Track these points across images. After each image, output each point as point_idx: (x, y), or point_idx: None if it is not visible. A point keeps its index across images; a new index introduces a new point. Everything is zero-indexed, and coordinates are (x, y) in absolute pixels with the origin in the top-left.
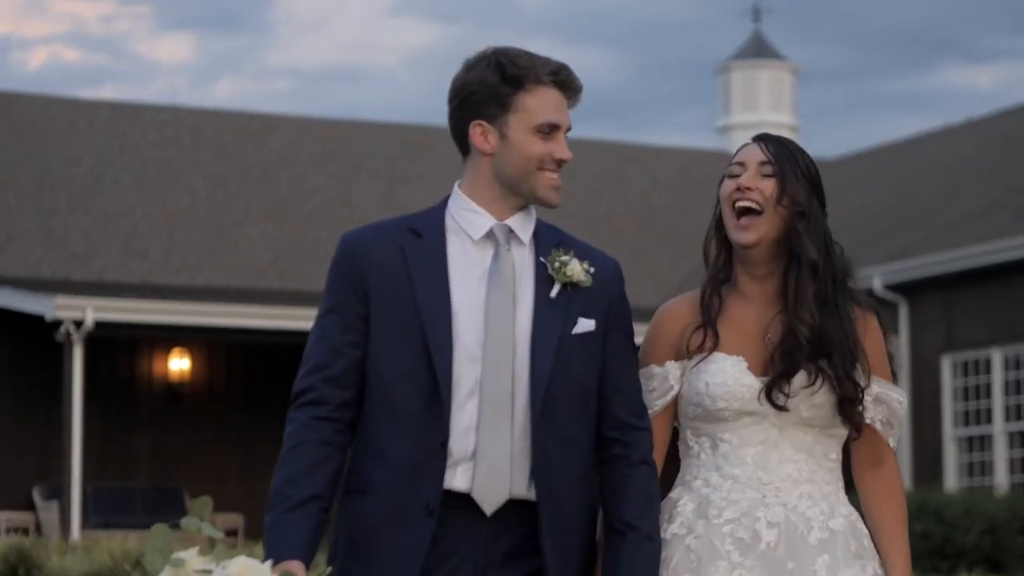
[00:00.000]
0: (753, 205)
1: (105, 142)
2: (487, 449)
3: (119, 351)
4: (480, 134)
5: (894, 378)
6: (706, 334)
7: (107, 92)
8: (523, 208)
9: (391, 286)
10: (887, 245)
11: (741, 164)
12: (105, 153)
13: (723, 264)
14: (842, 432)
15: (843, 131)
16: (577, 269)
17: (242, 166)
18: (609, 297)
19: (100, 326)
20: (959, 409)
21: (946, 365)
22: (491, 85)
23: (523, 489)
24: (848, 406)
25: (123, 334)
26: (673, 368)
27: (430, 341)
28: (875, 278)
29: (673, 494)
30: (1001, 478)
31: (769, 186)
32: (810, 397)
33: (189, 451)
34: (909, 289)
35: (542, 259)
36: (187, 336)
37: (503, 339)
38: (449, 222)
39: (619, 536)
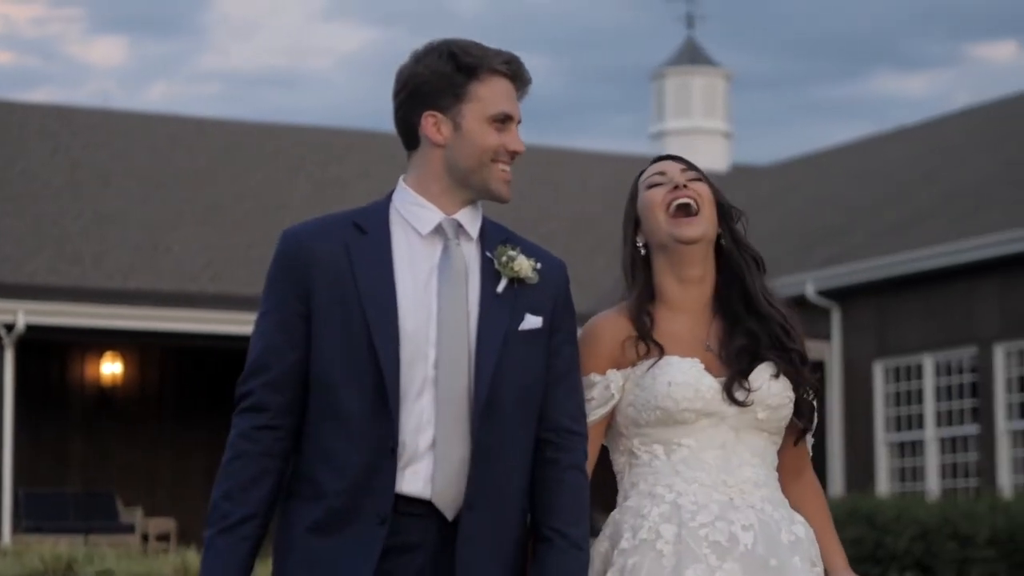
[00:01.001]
0: (691, 203)
1: (37, 145)
2: (446, 451)
3: (51, 355)
4: (433, 125)
5: None
6: (649, 345)
7: (39, 95)
8: (471, 203)
9: (335, 283)
10: (820, 251)
11: (662, 173)
12: (37, 156)
13: (645, 282)
14: (780, 440)
15: (777, 138)
16: (525, 265)
17: (175, 170)
18: (555, 296)
19: (31, 330)
20: (891, 414)
21: (878, 371)
22: (444, 75)
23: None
24: (806, 400)
25: (55, 338)
26: (615, 376)
27: (376, 339)
28: (808, 284)
29: (629, 503)
30: (932, 483)
31: (701, 188)
32: (767, 396)
33: (121, 455)
34: (842, 295)
35: (488, 254)
36: (119, 340)
37: (458, 335)
38: (395, 217)
39: (546, 543)
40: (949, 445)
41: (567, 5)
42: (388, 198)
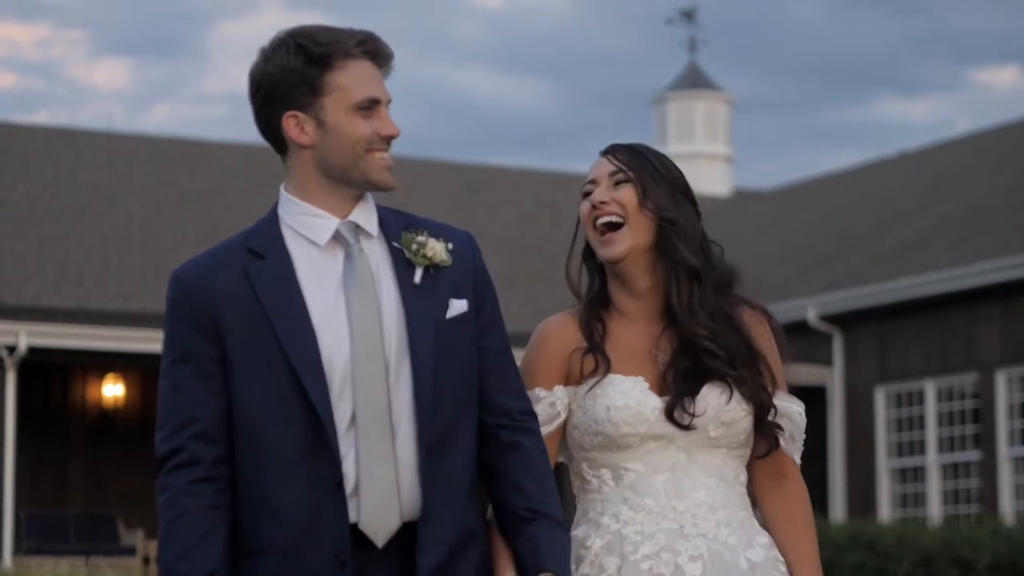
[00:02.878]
0: (612, 219)
1: (40, 167)
2: (369, 477)
3: (52, 377)
4: (295, 125)
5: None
6: (596, 359)
7: (42, 117)
8: (360, 197)
9: (243, 319)
10: (822, 276)
11: (593, 182)
12: (40, 178)
13: (598, 288)
14: (747, 453)
15: (778, 162)
16: (437, 248)
17: (177, 192)
18: (472, 274)
19: (33, 352)
20: (892, 440)
21: (880, 396)
22: (296, 70)
23: (418, 510)
24: (763, 418)
25: (57, 360)
26: (561, 394)
27: (299, 370)
28: (809, 309)
29: (577, 532)
30: (934, 509)
31: (626, 194)
32: (719, 414)
33: (122, 478)
34: (843, 320)
35: (396, 244)
36: (121, 362)
37: (371, 350)
38: (287, 232)
39: (528, 522)
40: (951, 471)
41: (569, 29)
42: (274, 213)
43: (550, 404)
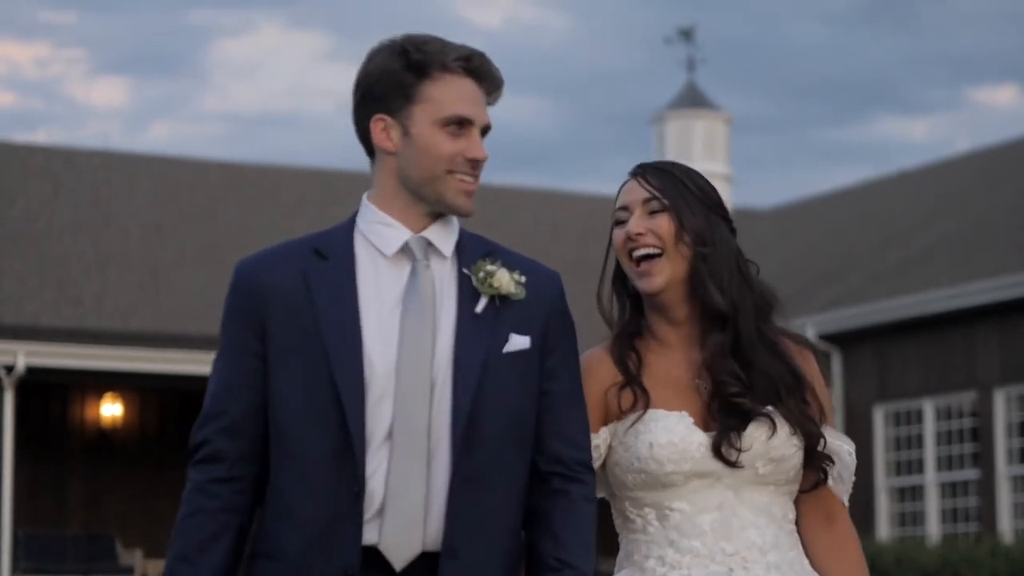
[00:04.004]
0: (650, 251)
1: (38, 186)
2: (396, 495)
3: (51, 396)
4: (381, 129)
5: None
6: (635, 392)
7: (40, 136)
8: (441, 216)
9: (293, 318)
10: (821, 295)
11: (625, 208)
12: (38, 197)
13: (631, 316)
14: (795, 488)
15: (777, 181)
16: (505, 279)
17: (176, 211)
18: (547, 313)
19: (32, 371)
20: (891, 459)
21: (878, 415)
22: (392, 73)
23: (443, 542)
24: (813, 448)
25: (55, 379)
26: (605, 435)
27: (339, 380)
28: (808, 327)
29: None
30: (933, 528)
31: (663, 224)
32: (767, 450)
33: (121, 497)
34: (842, 339)
35: (466, 271)
36: (119, 382)
37: (419, 370)
38: (359, 239)
39: (555, 572)
40: (949, 490)
41: (568, 48)
42: (352, 218)
43: (595, 447)
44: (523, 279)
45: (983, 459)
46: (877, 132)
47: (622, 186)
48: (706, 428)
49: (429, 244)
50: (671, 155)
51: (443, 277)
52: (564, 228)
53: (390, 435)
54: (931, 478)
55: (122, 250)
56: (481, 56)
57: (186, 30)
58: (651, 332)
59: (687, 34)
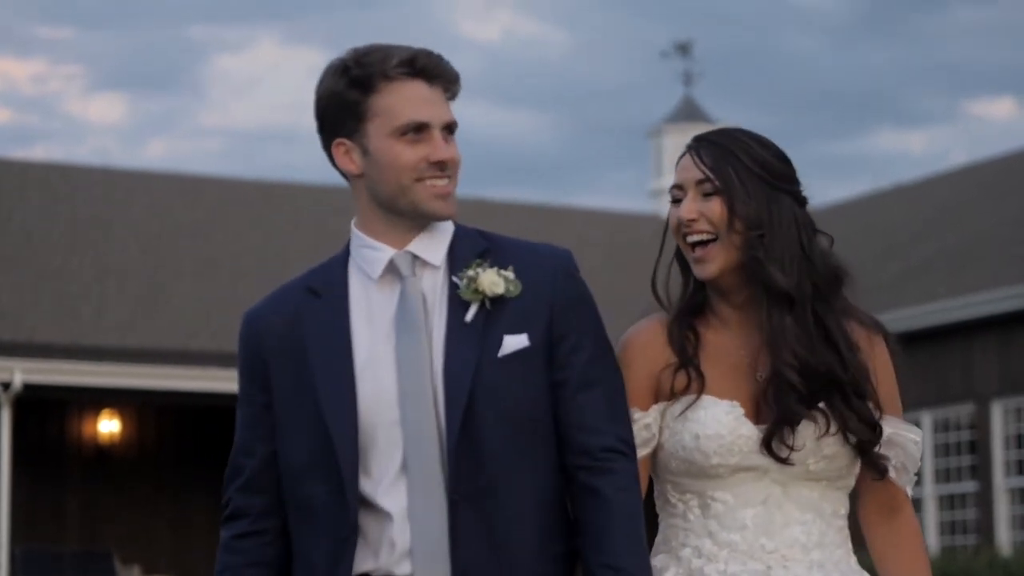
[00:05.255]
0: (703, 237)
1: (35, 201)
2: (420, 533)
3: (48, 413)
4: (344, 154)
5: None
6: (689, 375)
7: (38, 152)
8: (424, 227)
9: (289, 361)
10: None
11: (680, 187)
12: (35, 213)
13: (693, 291)
14: (850, 483)
15: None
16: (488, 281)
17: (174, 227)
18: (550, 300)
19: (29, 388)
20: None
21: None
22: (338, 94)
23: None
24: (868, 451)
25: (52, 396)
26: (656, 414)
27: (329, 422)
28: None
29: (656, 562)
30: (931, 541)
31: (715, 208)
32: (818, 447)
33: (119, 514)
34: None
35: (454, 278)
36: (117, 398)
37: (418, 393)
38: (352, 267)
39: None
40: (947, 502)
41: (566, 63)
42: (347, 248)
43: (645, 427)
44: (511, 274)
45: (981, 471)
46: (875, 145)
47: (680, 159)
48: (757, 417)
49: (415, 257)
50: (669, 169)
51: (435, 289)
52: (562, 242)
53: (404, 467)
54: (929, 490)
55: (120, 266)
56: (427, 54)
57: (184, 46)
58: (712, 309)
59: (684, 48)
